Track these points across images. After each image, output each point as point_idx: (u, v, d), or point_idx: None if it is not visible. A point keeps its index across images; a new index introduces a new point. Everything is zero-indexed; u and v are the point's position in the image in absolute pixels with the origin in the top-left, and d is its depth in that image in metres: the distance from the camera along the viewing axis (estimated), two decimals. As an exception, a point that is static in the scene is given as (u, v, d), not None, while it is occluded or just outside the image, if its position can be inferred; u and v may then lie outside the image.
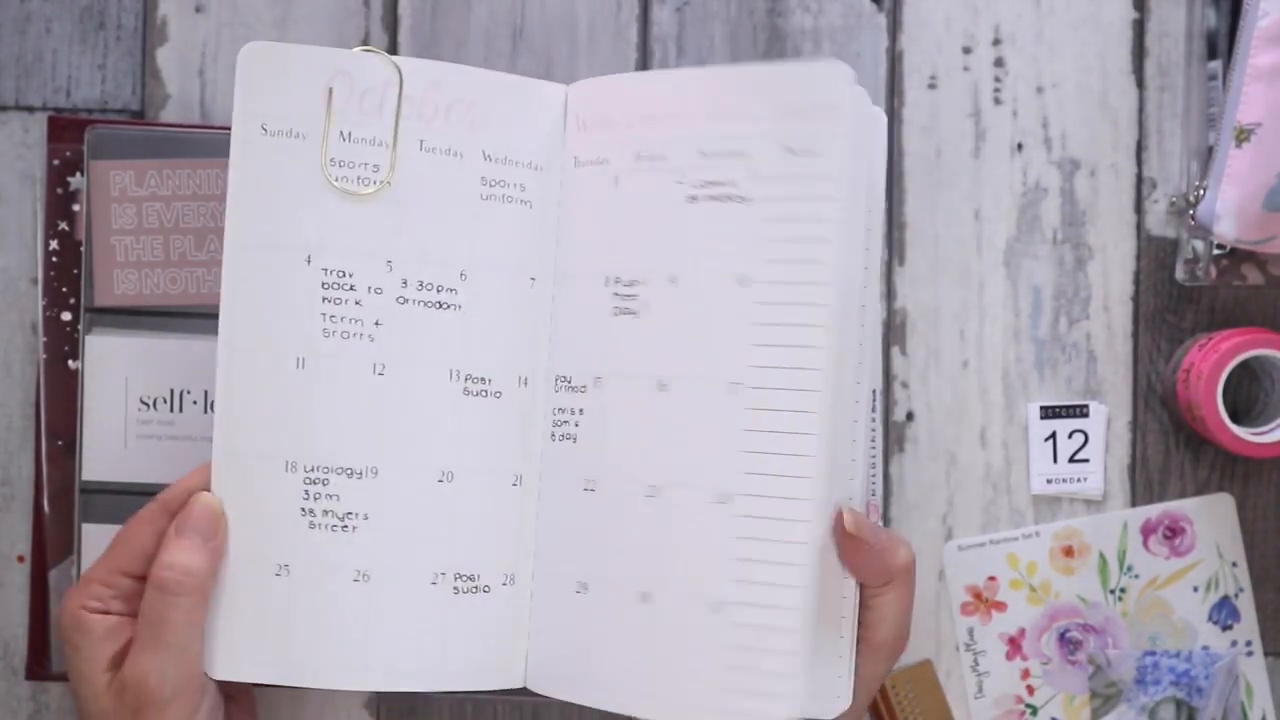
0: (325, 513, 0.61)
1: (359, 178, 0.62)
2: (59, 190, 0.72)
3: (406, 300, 0.62)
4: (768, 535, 0.58)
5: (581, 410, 0.62)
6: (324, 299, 0.61)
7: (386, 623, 0.61)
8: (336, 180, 0.61)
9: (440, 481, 0.62)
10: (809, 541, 0.58)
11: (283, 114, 0.62)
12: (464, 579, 0.62)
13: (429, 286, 0.62)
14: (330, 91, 0.62)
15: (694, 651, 0.59)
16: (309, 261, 0.61)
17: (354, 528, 0.61)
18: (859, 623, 0.61)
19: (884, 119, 0.63)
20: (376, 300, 0.61)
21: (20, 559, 0.74)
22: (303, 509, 0.61)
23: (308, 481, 0.61)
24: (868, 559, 0.60)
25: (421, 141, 0.62)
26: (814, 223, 0.58)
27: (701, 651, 0.59)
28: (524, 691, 0.64)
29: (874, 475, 0.75)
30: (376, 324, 0.61)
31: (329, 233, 0.61)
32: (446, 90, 0.62)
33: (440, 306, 0.62)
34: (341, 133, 0.62)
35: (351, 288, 0.61)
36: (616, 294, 0.62)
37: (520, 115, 0.64)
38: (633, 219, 0.62)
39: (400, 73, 0.62)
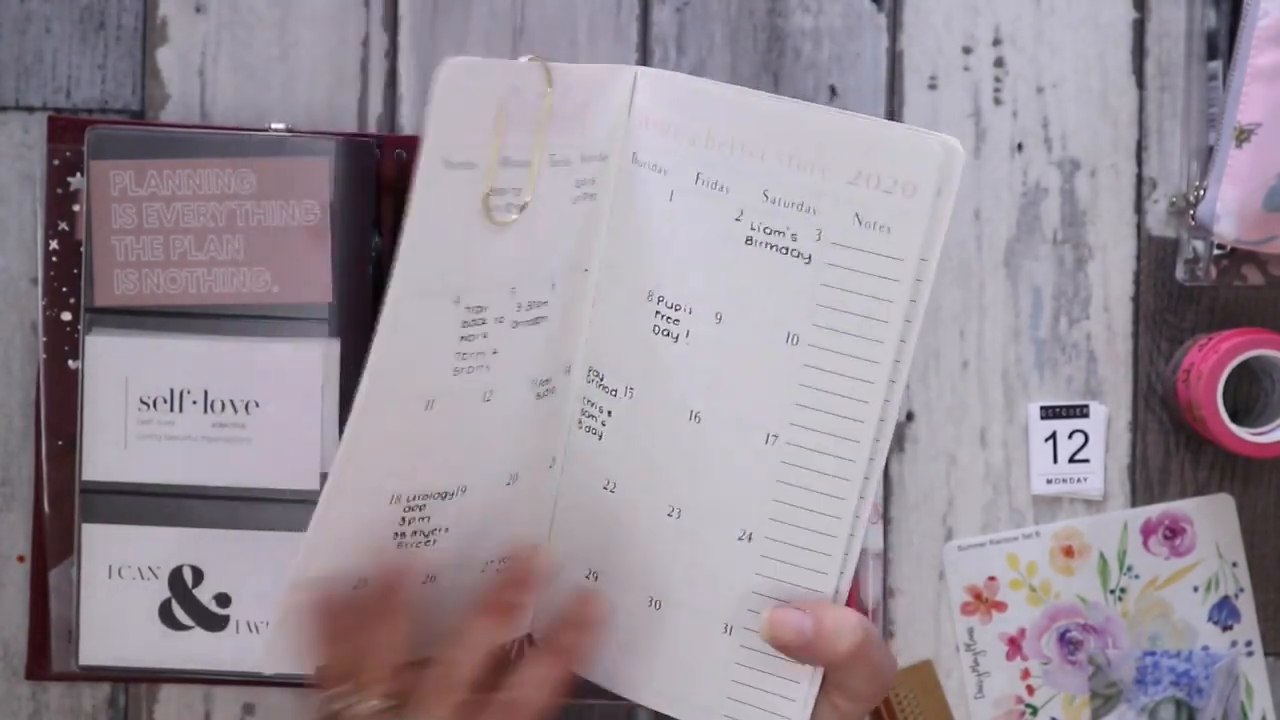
0: (415, 533, 0.59)
1: (507, 204, 0.56)
2: (59, 190, 0.72)
3: (519, 324, 0.58)
4: (788, 578, 0.59)
5: (610, 412, 0.61)
6: (461, 337, 0.56)
7: (445, 610, 0.60)
8: (491, 211, 0.55)
9: (508, 484, 0.61)
10: (824, 590, 0.59)
11: (462, 143, 0.54)
12: (504, 561, 0.62)
13: (534, 305, 0.59)
14: (500, 113, 0.54)
15: (702, 663, 0.61)
16: (457, 302, 0.56)
17: (435, 541, 0.59)
18: (831, 678, 0.59)
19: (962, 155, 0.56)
20: (498, 329, 0.57)
21: (20, 559, 0.74)
22: (396, 533, 0.58)
23: (407, 509, 0.58)
24: (807, 657, 0.58)
25: (550, 155, 0.57)
26: (873, 300, 0.56)
27: (710, 665, 0.60)
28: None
29: (874, 475, 0.75)
30: (495, 353, 0.57)
31: (476, 269, 0.56)
32: (565, 95, 0.57)
33: (535, 322, 0.59)
34: (503, 158, 0.55)
35: (483, 321, 0.57)
36: (659, 313, 0.60)
37: (599, 105, 0.59)
38: (684, 242, 0.59)
39: (553, 84, 0.56)
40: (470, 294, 0.56)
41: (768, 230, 0.58)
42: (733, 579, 0.60)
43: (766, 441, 0.58)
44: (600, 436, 0.62)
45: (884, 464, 0.58)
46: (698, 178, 0.59)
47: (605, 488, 0.62)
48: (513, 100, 0.55)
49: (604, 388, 0.62)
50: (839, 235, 0.56)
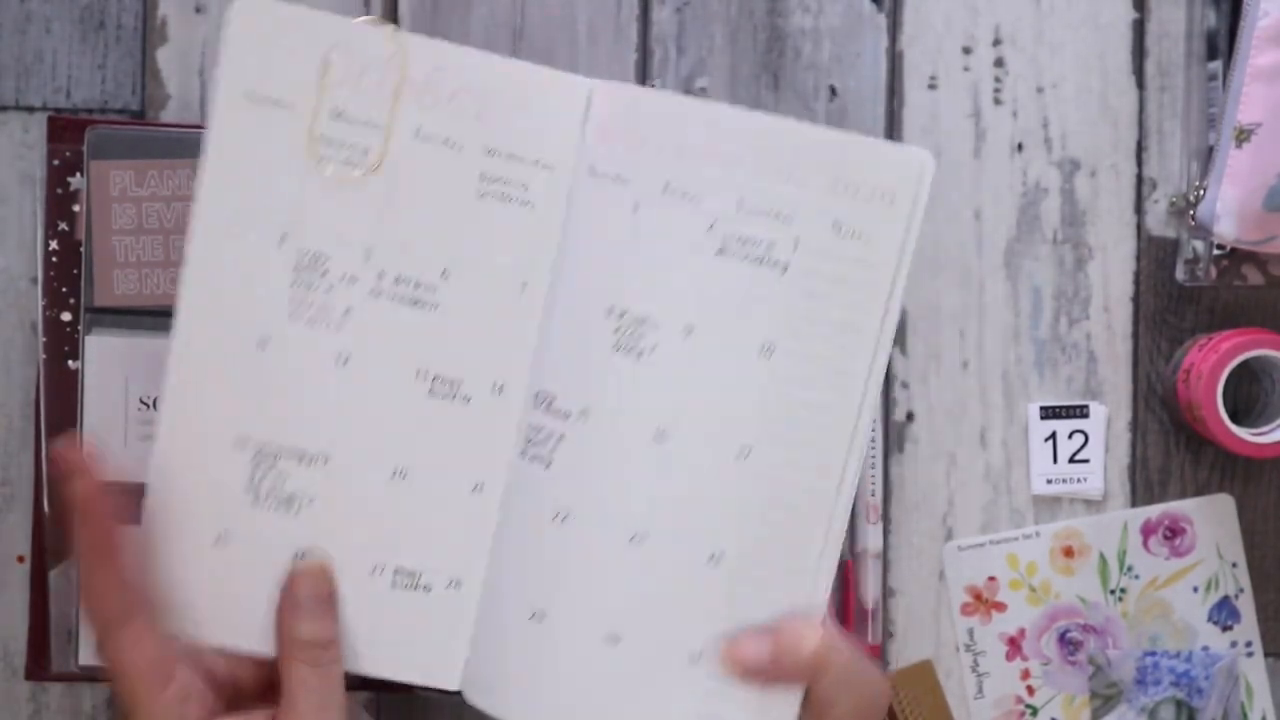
0: (270, 491, 0.59)
1: (346, 160, 0.59)
2: (59, 190, 0.72)
3: (380, 293, 0.59)
4: (759, 600, 0.57)
5: (561, 437, 0.59)
6: (294, 282, 0.59)
7: None
8: (321, 160, 0.58)
9: (392, 478, 0.60)
10: (799, 607, 0.57)
11: (271, 81, 0.58)
12: (404, 574, 0.60)
13: (405, 282, 0.59)
14: (327, 63, 0.58)
15: (667, 698, 0.58)
16: (282, 241, 0.58)
17: (298, 509, 0.59)
18: (814, 700, 0.57)
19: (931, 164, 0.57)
20: (349, 289, 0.59)
21: (20, 559, 0.74)
22: (248, 485, 0.59)
23: (256, 460, 0.59)
24: (777, 678, 0.56)
25: (419, 128, 0.59)
26: (849, 309, 0.56)
27: (676, 699, 0.58)
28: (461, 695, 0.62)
29: (874, 475, 0.75)
30: (345, 313, 0.59)
31: (307, 215, 0.58)
32: (454, 75, 0.59)
33: (415, 304, 0.59)
34: (333, 109, 0.58)
35: (324, 273, 0.59)
36: (619, 329, 0.58)
37: (535, 109, 0.59)
38: (648, 255, 0.58)
39: (406, 52, 0.59)
40: (301, 237, 0.58)
41: (742, 240, 0.57)
42: (702, 604, 0.58)
43: (738, 457, 0.57)
44: (549, 465, 0.59)
45: (859, 475, 0.57)
46: (666, 187, 0.58)
47: (555, 519, 0.59)
48: (343, 56, 0.58)
49: (553, 411, 0.59)
50: (817, 244, 0.56)
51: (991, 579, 0.76)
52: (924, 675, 0.76)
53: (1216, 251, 0.74)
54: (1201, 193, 0.72)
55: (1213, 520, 0.76)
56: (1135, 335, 0.77)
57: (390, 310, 0.59)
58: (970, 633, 0.76)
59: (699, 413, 0.58)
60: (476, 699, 0.62)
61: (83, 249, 0.71)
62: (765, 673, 0.56)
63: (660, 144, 0.58)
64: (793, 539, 0.57)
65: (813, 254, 0.56)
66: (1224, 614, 0.76)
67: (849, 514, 0.57)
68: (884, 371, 0.57)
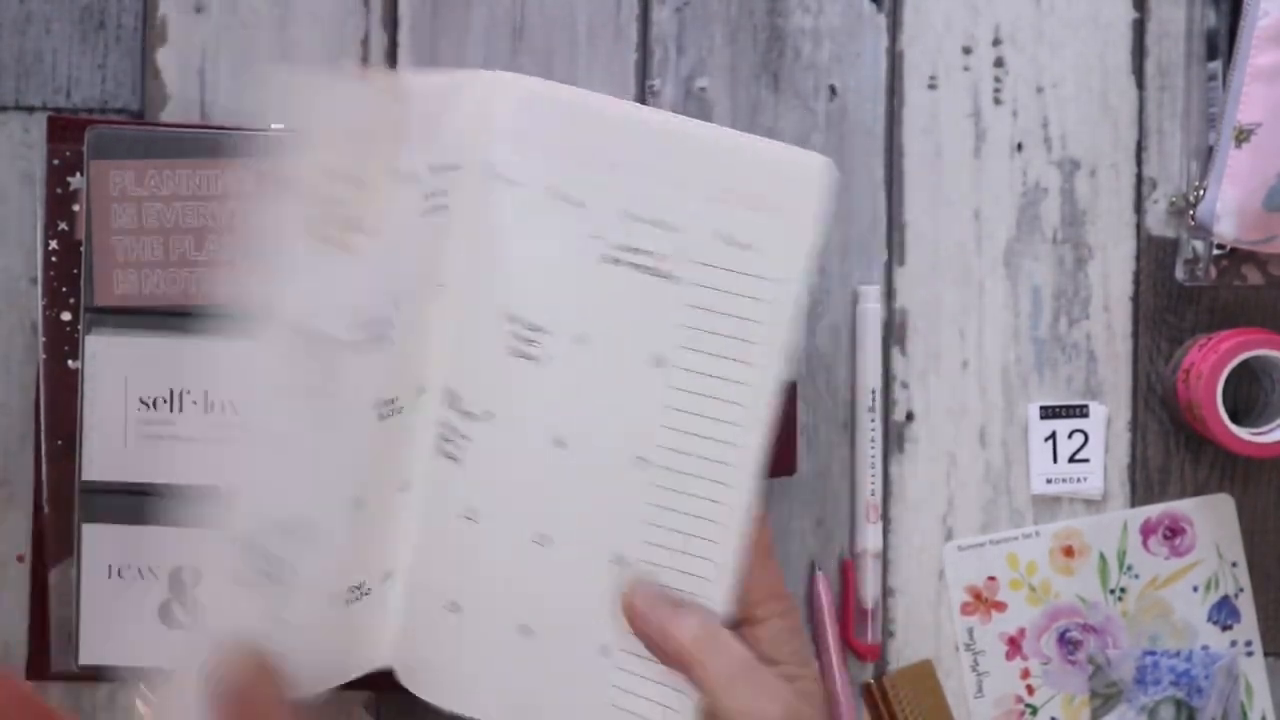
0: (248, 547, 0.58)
1: (342, 223, 0.55)
2: (59, 190, 0.72)
3: (358, 345, 0.57)
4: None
5: (468, 438, 0.59)
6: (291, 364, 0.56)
7: (288, 633, 0.58)
8: (324, 233, 0.54)
9: (354, 510, 0.59)
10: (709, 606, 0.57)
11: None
12: (354, 590, 0.60)
13: (376, 323, 0.58)
14: (328, 128, 0.54)
15: (578, 689, 0.59)
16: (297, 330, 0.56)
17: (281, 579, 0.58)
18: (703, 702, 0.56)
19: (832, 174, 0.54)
20: (333, 353, 0.56)
21: (20, 559, 0.74)
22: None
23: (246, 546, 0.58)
24: (653, 649, 0.57)
25: (396, 170, 0.56)
26: (740, 321, 0.55)
27: (586, 690, 0.59)
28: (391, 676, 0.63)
29: (874, 475, 0.75)
30: (332, 379, 0.57)
31: (303, 292, 0.55)
32: (419, 106, 0.56)
33: (377, 341, 0.58)
34: (328, 171, 0.54)
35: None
36: (515, 334, 0.57)
37: (456, 113, 0.58)
38: (538, 262, 0.57)
39: (397, 96, 0.56)
40: (302, 318, 0.54)
41: (629, 249, 0.56)
42: (608, 602, 0.58)
43: (636, 466, 0.57)
44: (460, 463, 0.59)
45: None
46: (552, 192, 0.56)
47: (466, 517, 0.59)
48: (342, 116, 0.54)
49: (462, 412, 0.59)
50: (705, 255, 0.55)
51: (991, 579, 0.76)
52: (924, 675, 0.76)
53: (1216, 251, 0.74)
54: (1201, 193, 0.72)
55: (1213, 520, 0.76)
56: (1135, 335, 0.77)
57: (362, 358, 0.57)
58: (970, 632, 0.76)
59: (596, 421, 0.57)
60: (409, 683, 0.62)
61: (83, 249, 0.71)
62: (647, 636, 0.57)
63: (546, 144, 0.56)
64: (693, 546, 0.57)
65: (701, 265, 0.55)
66: (1224, 614, 0.76)
67: (749, 522, 0.56)
68: (781, 382, 0.55)
